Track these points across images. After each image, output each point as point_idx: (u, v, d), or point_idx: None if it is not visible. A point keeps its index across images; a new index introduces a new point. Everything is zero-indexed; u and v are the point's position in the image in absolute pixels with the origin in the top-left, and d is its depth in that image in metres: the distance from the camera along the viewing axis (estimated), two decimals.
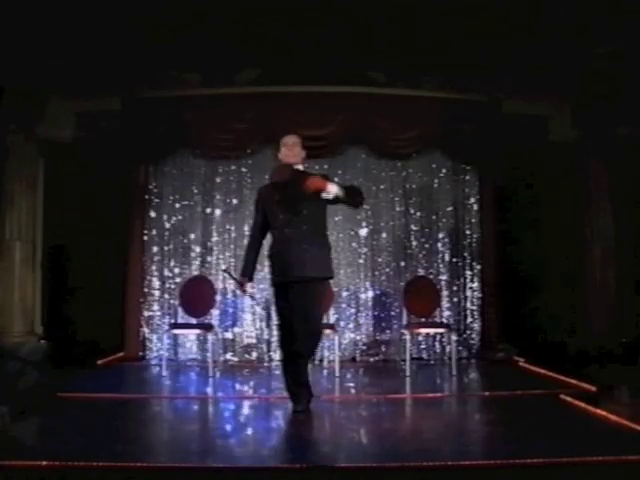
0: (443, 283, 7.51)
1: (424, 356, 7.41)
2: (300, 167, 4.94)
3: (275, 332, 7.28)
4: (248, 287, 4.99)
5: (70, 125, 7.33)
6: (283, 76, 7.26)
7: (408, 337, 6.62)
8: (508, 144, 7.20)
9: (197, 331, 7.02)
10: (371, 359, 7.35)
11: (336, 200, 4.69)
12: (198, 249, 7.46)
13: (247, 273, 4.95)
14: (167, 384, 6.38)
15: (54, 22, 6.12)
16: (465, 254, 7.59)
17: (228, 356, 7.31)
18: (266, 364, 7.19)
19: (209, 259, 7.47)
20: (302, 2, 6.15)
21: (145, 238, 7.47)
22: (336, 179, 5.29)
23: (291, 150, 4.96)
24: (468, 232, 7.62)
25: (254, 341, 7.40)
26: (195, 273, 7.34)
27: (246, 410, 5.27)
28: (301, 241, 4.69)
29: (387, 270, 7.51)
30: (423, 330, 6.97)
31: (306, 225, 4.72)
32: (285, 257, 4.71)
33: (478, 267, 7.57)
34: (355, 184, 5.39)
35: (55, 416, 4.75)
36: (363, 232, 7.52)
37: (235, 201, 7.50)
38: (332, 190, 4.62)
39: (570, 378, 5.84)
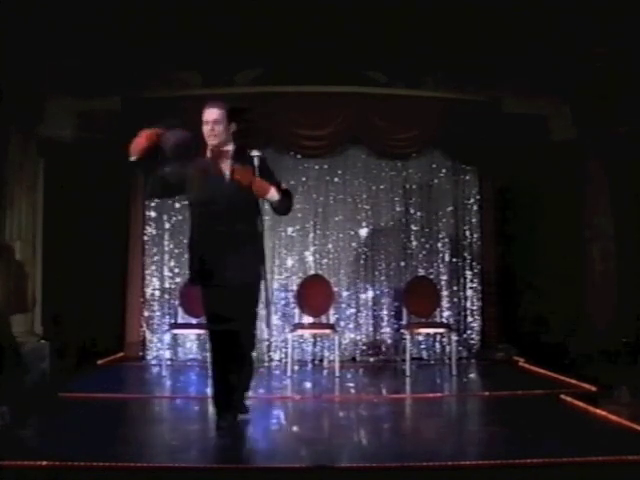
0: (443, 283, 7.50)
1: (424, 356, 7.39)
2: (229, 147, 4.11)
3: (275, 332, 7.29)
4: None
5: (70, 125, 7.33)
6: (283, 76, 7.26)
7: (408, 337, 6.62)
8: (508, 144, 7.20)
9: (197, 331, 6.99)
10: (371, 359, 7.33)
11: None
12: None
13: None
14: (167, 384, 6.38)
15: (54, 22, 6.12)
16: (465, 254, 7.58)
17: None
18: (266, 364, 7.17)
19: None
20: (302, 2, 6.15)
21: (145, 238, 7.47)
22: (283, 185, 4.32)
23: (212, 129, 4.03)
24: (468, 232, 7.60)
25: None
26: None
27: None
28: (225, 234, 3.93)
29: (387, 270, 7.50)
30: (423, 330, 6.96)
31: (233, 211, 3.97)
32: (205, 253, 4.02)
33: (478, 267, 7.55)
34: (288, 189, 4.28)
35: (55, 416, 4.75)
36: (363, 232, 7.51)
37: None
38: (273, 198, 3.98)
39: (570, 378, 5.85)
